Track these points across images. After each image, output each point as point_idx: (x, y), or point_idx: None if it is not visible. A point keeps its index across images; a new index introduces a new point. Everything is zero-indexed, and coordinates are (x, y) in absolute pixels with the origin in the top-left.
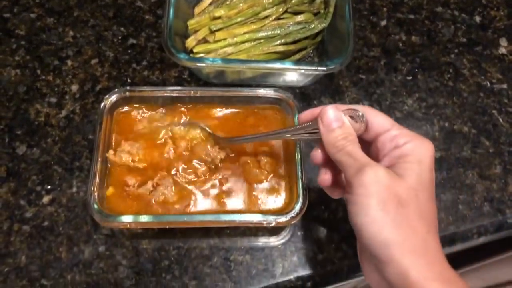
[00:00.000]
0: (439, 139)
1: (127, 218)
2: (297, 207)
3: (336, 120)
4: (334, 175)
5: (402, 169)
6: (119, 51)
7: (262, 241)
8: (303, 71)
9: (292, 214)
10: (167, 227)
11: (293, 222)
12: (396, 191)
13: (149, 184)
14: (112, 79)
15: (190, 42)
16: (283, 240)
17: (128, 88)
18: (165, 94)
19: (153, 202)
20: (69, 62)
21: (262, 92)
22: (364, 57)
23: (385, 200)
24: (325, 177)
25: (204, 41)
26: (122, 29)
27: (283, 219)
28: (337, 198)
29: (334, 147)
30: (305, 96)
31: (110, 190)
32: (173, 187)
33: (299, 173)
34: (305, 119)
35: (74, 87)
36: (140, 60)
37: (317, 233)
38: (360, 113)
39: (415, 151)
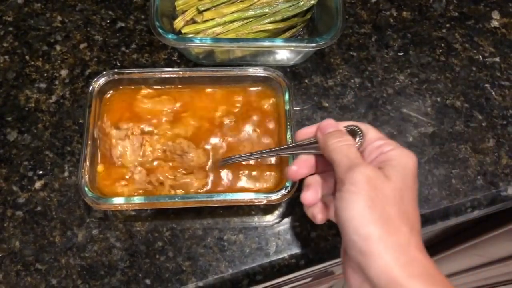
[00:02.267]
0: (431, 114)
1: (118, 200)
2: (288, 184)
3: (332, 127)
4: (316, 191)
5: (388, 171)
6: (107, 35)
7: (256, 220)
8: (292, 48)
9: (284, 191)
10: (159, 208)
11: (284, 200)
12: (383, 191)
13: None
14: (102, 63)
15: (178, 23)
16: (276, 219)
17: (116, 70)
18: (154, 75)
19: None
20: (58, 47)
21: (252, 71)
22: (355, 34)
23: (372, 198)
24: (307, 194)
25: (192, 21)
26: (110, 12)
27: (274, 196)
28: (320, 222)
29: (329, 146)
30: (296, 74)
31: (100, 167)
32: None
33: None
34: (302, 137)
35: (64, 72)
36: (129, 43)
37: None
38: (359, 130)
39: (400, 157)
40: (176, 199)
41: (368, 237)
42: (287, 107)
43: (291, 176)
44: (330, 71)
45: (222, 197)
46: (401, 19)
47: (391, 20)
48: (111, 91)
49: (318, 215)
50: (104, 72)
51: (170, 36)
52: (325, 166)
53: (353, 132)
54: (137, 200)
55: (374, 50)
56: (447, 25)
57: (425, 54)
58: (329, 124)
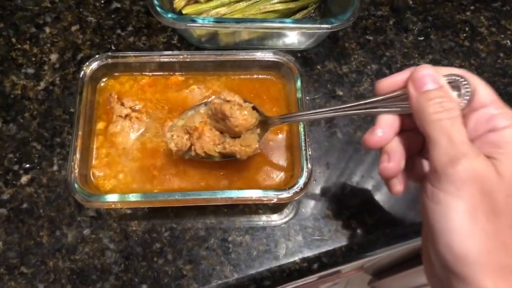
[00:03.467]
0: None
1: (112, 198)
2: (301, 181)
3: (432, 81)
4: (399, 162)
5: (502, 165)
6: (102, 16)
7: (263, 220)
8: (305, 29)
9: (296, 189)
10: (157, 206)
11: (296, 198)
12: (492, 196)
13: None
14: (95, 46)
15: (179, 2)
16: (286, 219)
17: (110, 54)
18: (153, 60)
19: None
20: (47, 29)
21: (260, 55)
22: (371, 16)
23: (477, 206)
24: (388, 166)
25: (194, 1)
26: None
27: (285, 194)
28: (396, 195)
29: (427, 115)
30: (307, 60)
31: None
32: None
33: (303, 145)
34: (385, 88)
35: (53, 57)
36: (125, 26)
37: (324, 210)
38: (466, 84)
39: None
40: (177, 197)
41: (465, 258)
42: (299, 95)
43: (375, 144)
44: (344, 57)
45: (227, 194)
46: (421, 1)
47: (410, 2)
48: (104, 78)
49: (396, 187)
50: (97, 56)
51: (169, 15)
52: (413, 123)
53: (456, 86)
54: (132, 197)
55: (392, 34)
56: (471, 8)
57: (447, 38)
58: (427, 75)
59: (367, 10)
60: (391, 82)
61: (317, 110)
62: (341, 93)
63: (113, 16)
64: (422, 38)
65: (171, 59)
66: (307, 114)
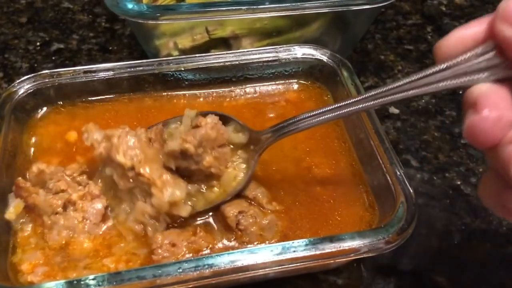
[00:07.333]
0: None
1: None
2: (400, 212)
3: None
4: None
5: None
6: (36, 60)
7: None
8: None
9: (400, 224)
10: None
11: (397, 243)
12: None
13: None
14: None
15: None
16: None
17: (49, 72)
18: (122, 74)
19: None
20: None
21: (287, 54)
22: (402, 26)
23: None
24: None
25: None
26: (41, 34)
27: (380, 236)
28: None
29: None
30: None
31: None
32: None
33: (390, 153)
34: (453, 49)
35: None
36: (72, 66)
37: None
38: None
39: None
40: (180, 270)
41: None
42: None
43: (483, 132)
44: (384, 70)
45: (275, 251)
46: (455, 6)
47: (443, 8)
48: (40, 110)
49: None
50: (29, 76)
51: (131, 6)
52: None
53: None
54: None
55: (435, 41)
56: None
57: None
58: None
59: (394, 21)
60: (459, 41)
61: (350, 101)
62: (396, 111)
63: (53, 58)
64: None
65: (146, 70)
66: (333, 109)
